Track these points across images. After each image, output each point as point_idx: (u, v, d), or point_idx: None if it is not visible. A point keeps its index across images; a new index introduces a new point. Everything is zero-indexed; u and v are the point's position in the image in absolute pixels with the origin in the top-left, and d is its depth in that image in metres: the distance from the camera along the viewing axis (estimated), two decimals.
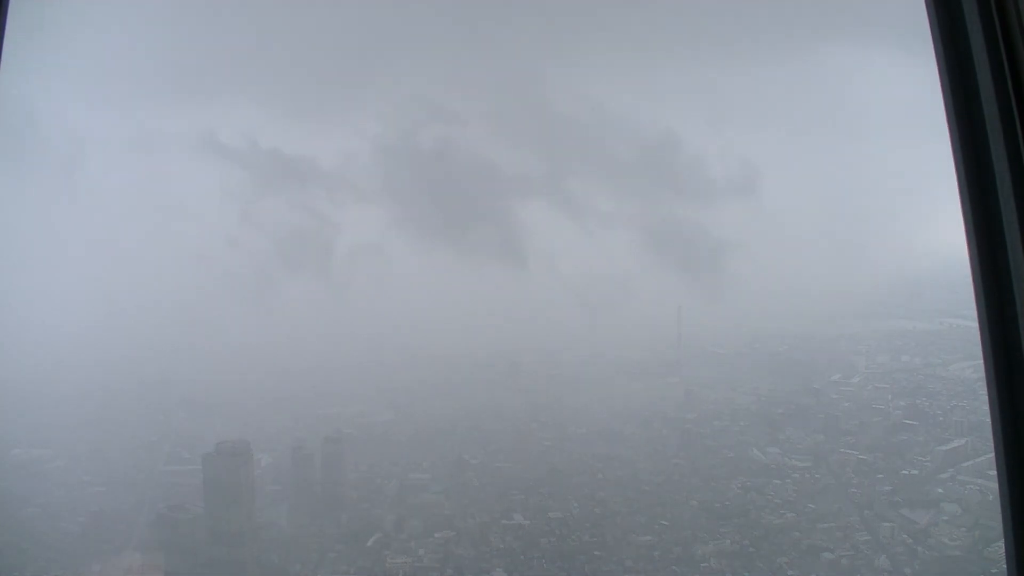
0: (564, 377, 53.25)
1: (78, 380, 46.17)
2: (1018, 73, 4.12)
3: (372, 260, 67.00)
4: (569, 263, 67.93)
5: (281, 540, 37.34)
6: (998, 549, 31.03)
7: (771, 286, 64.25)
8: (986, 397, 4.43)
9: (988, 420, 4.41)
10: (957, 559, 33.52)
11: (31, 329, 50.11)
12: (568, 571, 34.99)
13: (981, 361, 4.45)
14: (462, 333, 58.96)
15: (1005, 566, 4.39)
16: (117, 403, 45.39)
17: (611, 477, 41.52)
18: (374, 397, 50.05)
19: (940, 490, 37.95)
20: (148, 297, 61.21)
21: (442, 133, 75.88)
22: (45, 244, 62.93)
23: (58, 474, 39.55)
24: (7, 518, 36.36)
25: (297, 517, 38.72)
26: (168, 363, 50.32)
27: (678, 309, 59.05)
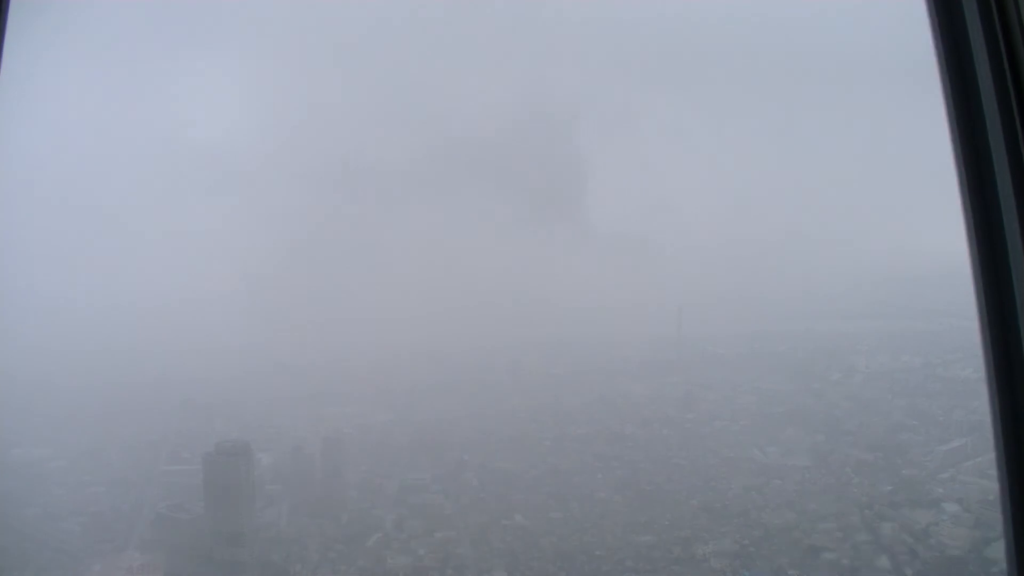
0: (564, 377, 53.20)
1: (78, 380, 46.12)
2: (1018, 73, 4.12)
3: (369, 259, 67.00)
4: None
5: (281, 540, 37.31)
6: (998, 549, 31.02)
7: (771, 286, 64.27)
8: (986, 397, 4.43)
9: (988, 420, 4.41)
10: (958, 559, 33.50)
11: (31, 328, 50.06)
12: (568, 571, 34.95)
13: (981, 361, 4.45)
14: (462, 332, 58.88)
15: (1005, 566, 4.38)
16: (117, 403, 45.32)
17: (611, 477, 41.49)
18: (374, 397, 49.97)
19: (940, 490, 37.89)
20: (148, 296, 61.15)
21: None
22: (44, 243, 62.85)
23: (58, 474, 39.52)
24: (7, 518, 36.33)
25: (297, 517, 38.68)
26: (168, 362, 50.27)
27: (678, 309, 59.06)
